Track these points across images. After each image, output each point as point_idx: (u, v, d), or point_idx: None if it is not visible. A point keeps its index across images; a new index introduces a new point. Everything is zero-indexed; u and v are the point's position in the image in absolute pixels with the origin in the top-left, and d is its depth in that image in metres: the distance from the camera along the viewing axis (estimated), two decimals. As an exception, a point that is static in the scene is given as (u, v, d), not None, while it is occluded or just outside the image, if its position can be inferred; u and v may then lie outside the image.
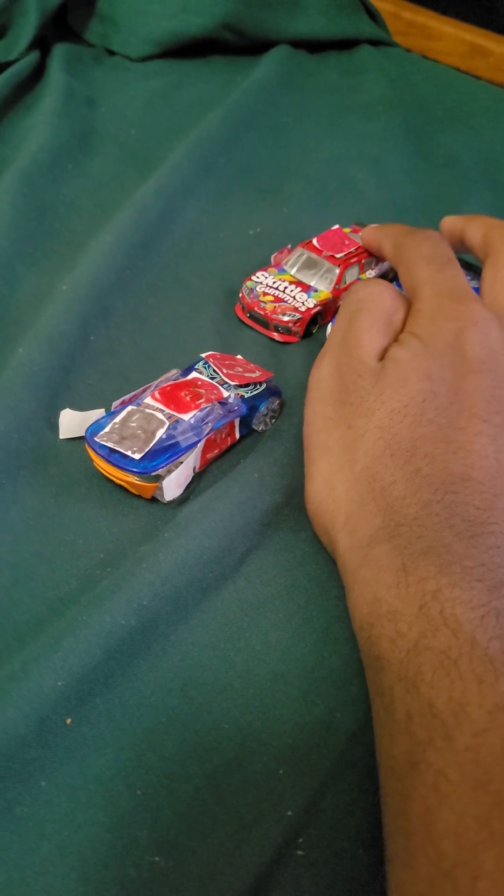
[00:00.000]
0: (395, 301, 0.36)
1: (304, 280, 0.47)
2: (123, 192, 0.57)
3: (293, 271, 0.48)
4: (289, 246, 0.50)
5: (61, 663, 0.29)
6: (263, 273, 0.48)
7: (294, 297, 0.46)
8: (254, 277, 0.48)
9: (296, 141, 0.67)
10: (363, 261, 0.48)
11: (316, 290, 0.46)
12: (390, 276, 0.50)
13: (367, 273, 0.48)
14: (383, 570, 0.28)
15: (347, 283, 0.47)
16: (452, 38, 0.90)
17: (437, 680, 0.24)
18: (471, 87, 0.80)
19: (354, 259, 0.47)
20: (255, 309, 0.46)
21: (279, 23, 0.78)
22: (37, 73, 0.71)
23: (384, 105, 0.73)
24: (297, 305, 0.46)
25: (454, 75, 0.83)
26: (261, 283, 0.47)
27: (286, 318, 0.45)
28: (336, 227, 0.50)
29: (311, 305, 0.46)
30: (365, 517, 0.30)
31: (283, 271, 0.48)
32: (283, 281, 0.47)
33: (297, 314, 0.45)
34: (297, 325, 0.45)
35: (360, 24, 0.83)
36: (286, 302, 0.46)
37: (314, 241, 0.49)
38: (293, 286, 0.47)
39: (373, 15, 0.86)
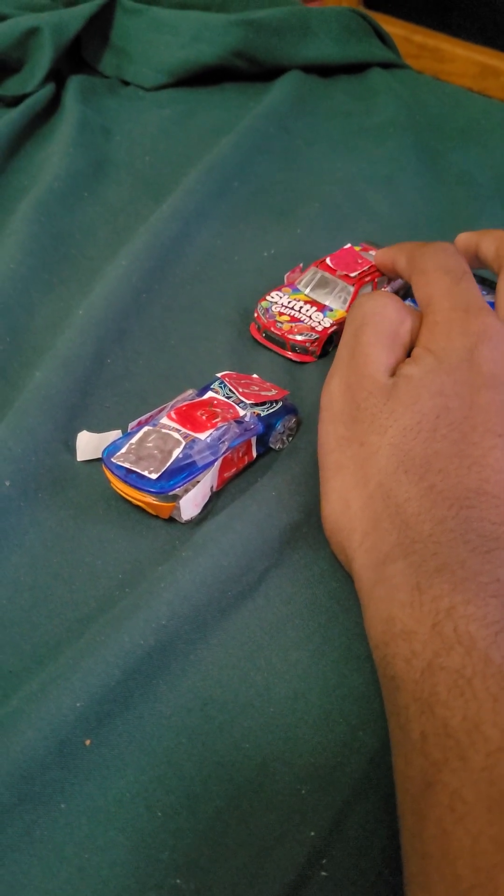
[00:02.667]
0: (399, 313, 0.36)
1: (319, 299, 0.47)
2: (138, 218, 0.57)
3: (307, 291, 0.48)
4: (301, 265, 0.50)
5: (80, 684, 0.28)
6: (278, 293, 0.48)
7: (310, 317, 0.46)
8: (268, 297, 0.48)
9: (309, 164, 0.67)
10: (376, 279, 0.48)
11: (331, 310, 0.46)
12: (401, 293, 0.50)
13: None
14: (397, 588, 0.28)
15: None
16: (464, 59, 0.91)
17: (452, 699, 0.24)
18: (482, 106, 0.80)
19: (368, 278, 0.47)
20: (272, 329, 0.46)
21: (290, 49, 0.79)
22: (52, 105, 0.72)
23: (396, 126, 0.73)
24: (313, 325, 0.46)
25: (465, 95, 0.83)
26: (276, 302, 0.47)
27: (303, 338, 0.45)
28: (348, 245, 0.50)
29: (328, 325, 0.46)
30: (380, 535, 0.30)
31: (297, 291, 0.48)
32: (298, 300, 0.47)
33: (314, 334, 0.45)
34: (315, 344, 0.45)
35: (370, 48, 0.84)
36: (303, 321, 0.46)
37: (327, 261, 0.49)
38: (308, 306, 0.47)
39: (383, 39, 0.87)
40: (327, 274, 0.48)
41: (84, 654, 0.29)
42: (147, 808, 0.27)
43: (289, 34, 0.79)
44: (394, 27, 0.93)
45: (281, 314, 0.47)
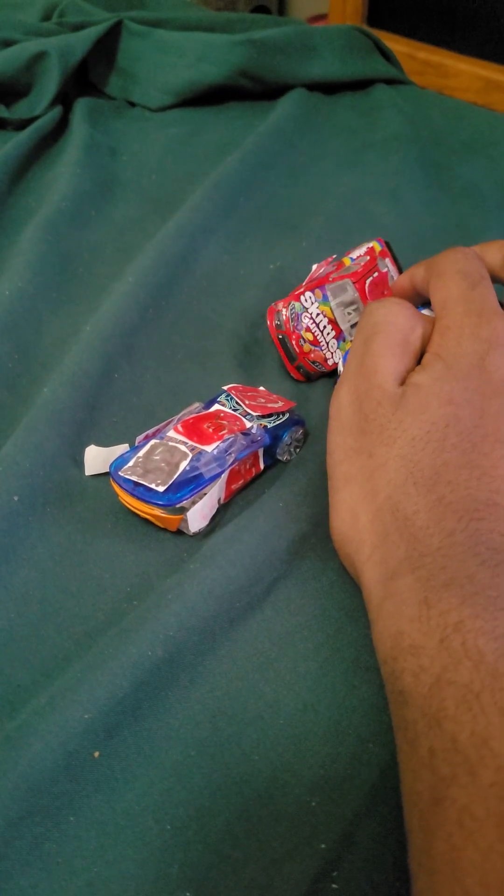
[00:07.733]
0: (409, 319, 0.35)
1: (340, 321, 0.45)
2: (145, 236, 0.58)
3: (334, 304, 0.45)
4: (334, 256, 0.48)
5: (88, 696, 0.28)
6: (311, 295, 0.45)
7: (328, 344, 0.45)
8: (303, 298, 0.45)
9: (314, 179, 0.68)
10: None
11: (346, 340, 0.45)
12: None
13: None
14: (405, 602, 0.27)
15: None
16: (468, 74, 0.91)
17: (460, 714, 0.23)
18: (486, 119, 0.81)
19: None
20: (292, 341, 0.45)
21: (294, 67, 0.80)
22: (60, 127, 0.73)
23: (401, 140, 0.73)
24: (326, 357, 0.45)
25: (469, 108, 0.83)
26: (307, 310, 0.45)
27: (313, 366, 0.45)
28: (384, 270, 0.47)
29: (337, 360, 0.45)
30: (389, 548, 0.30)
31: (326, 300, 0.45)
32: (324, 317, 0.45)
33: (324, 367, 0.45)
34: (318, 375, 0.45)
35: (374, 65, 0.85)
36: (320, 348, 0.45)
37: (366, 283, 0.46)
38: (330, 327, 0.45)
39: (387, 56, 0.87)
40: (359, 297, 0.45)
41: (92, 667, 0.29)
42: (156, 822, 0.27)
43: (293, 53, 0.80)
44: (397, 44, 0.94)
45: (307, 329, 0.45)
